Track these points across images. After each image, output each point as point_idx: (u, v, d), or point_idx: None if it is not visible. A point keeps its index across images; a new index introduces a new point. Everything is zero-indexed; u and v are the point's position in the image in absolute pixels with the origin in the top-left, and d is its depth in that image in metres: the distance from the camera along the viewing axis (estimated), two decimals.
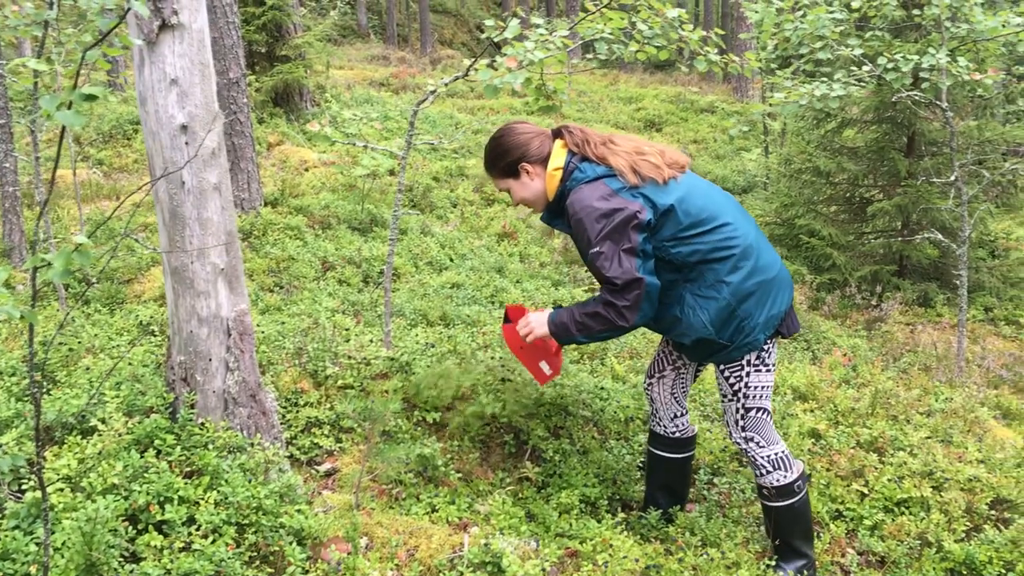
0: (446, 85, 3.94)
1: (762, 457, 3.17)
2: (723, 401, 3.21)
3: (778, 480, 3.17)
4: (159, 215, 3.03)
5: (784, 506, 3.19)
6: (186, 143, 2.95)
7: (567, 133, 3.10)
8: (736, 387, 3.12)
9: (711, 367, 3.79)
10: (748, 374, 3.10)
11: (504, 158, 3.13)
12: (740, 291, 2.95)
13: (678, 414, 3.46)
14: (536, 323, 3.16)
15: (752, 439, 3.17)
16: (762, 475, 3.20)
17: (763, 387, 3.13)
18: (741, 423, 3.17)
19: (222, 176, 3.07)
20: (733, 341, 3.01)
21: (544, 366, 3.34)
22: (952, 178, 5.66)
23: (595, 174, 2.97)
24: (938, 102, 5.57)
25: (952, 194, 5.70)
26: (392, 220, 4.15)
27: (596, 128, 14.18)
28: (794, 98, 5.36)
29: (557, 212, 3.14)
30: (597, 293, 3.01)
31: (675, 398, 3.44)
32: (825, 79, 5.50)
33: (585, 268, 3.39)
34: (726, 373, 3.13)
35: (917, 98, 5.56)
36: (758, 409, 3.15)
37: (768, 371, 3.13)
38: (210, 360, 3.10)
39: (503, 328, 3.35)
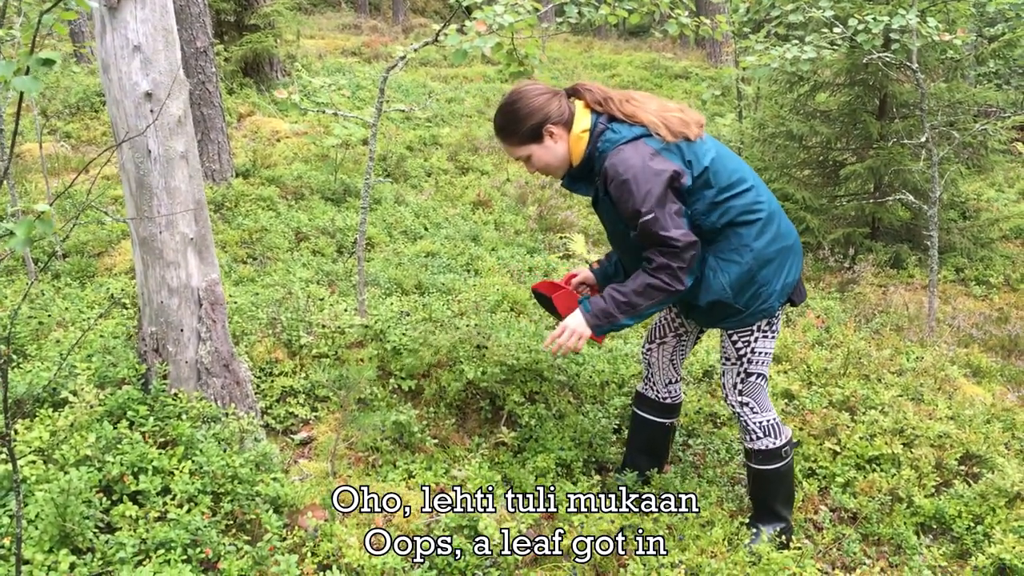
0: (415, 51, 3.90)
1: (754, 423, 3.18)
2: (724, 363, 3.19)
3: (766, 445, 3.19)
4: (125, 185, 2.99)
5: (770, 470, 3.22)
6: (151, 111, 2.90)
7: (586, 91, 2.95)
8: (742, 352, 3.11)
9: (711, 333, 3.78)
10: (756, 339, 3.08)
11: (526, 122, 2.93)
12: (762, 256, 2.91)
13: (673, 380, 3.47)
14: (577, 327, 2.95)
15: (748, 404, 3.17)
16: (752, 440, 3.21)
17: (766, 353, 3.13)
18: (740, 387, 3.16)
19: (189, 144, 3.03)
20: (748, 307, 2.97)
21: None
22: (923, 139, 5.69)
23: (632, 134, 2.82)
24: (908, 64, 5.58)
25: (923, 156, 5.72)
26: (364, 189, 4.12)
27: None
28: (765, 61, 5.36)
29: (581, 176, 3.00)
30: (641, 265, 2.88)
31: (673, 364, 3.44)
32: (797, 42, 5.49)
33: (604, 231, 3.19)
34: (734, 337, 3.10)
35: (888, 60, 5.56)
36: (758, 375, 3.14)
37: (773, 338, 3.12)
38: (181, 330, 3.08)
39: (555, 298, 3.17)
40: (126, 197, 3.01)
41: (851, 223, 8.01)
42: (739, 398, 3.17)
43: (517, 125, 2.95)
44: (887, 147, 7.31)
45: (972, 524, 3.44)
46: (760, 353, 3.11)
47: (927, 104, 5.83)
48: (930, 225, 5.89)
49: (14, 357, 3.47)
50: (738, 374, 3.15)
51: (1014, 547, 3.18)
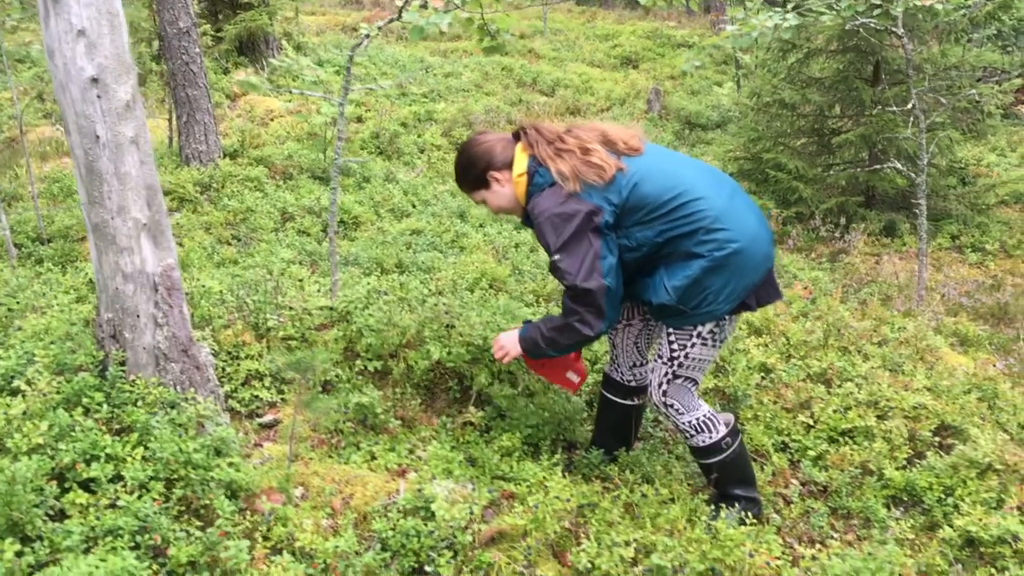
0: (379, 29, 3.86)
1: (684, 423, 3.16)
2: (655, 360, 3.17)
3: (703, 441, 3.17)
4: (76, 171, 2.98)
5: (714, 462, 3.20)
6: (98, 96, 2.87)
7: (523, 135, 3.07)
8: (675, 353, 3.07)
9: None
10: (693, 345, 3.04)
11: (471, 170, 3.12)
12: (710, 263, 2.87)
13: (638, 363, 3.44)
14: (508, 343, 3.21)
15: (671, 405, 3.15)
16: (687, 438, 3.21)
17: (702, 360, 3.09)
18: (664, 387, 3.13)
19: (139, 129, 3.00)
20: (695, 309, 2.95)
21: (570, 375, 3.37)
22: (910, 105, 5.60)
23: (552, 178, 2.94)
24: (895, 29, 5.49)
25: (911, 122, 5.64)
26: (333, 169, 4.10)
27: (574, 68, 14.02)
28: (747, 30, 5.27)
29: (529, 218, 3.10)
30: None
31: (638, 348, 3.41)
32: (779, 10, 5.40)
33: None
34: (671, 337, 3.07)
35: (872, 25, 5.47)
36: (686, 378, 3.12)
37: (714, 346, 3.07)
38: (138, 316, 3.07)
39: (523, 355, 3.33)
40: (77, 183, 3.00)
41: (844, 192, 7.93)
42: (663, 398, 3.15)
43: (466, 173, 3.15)
44: (879, 114, 7.22)
45: (943, 496, 3.42)
46: (694, 359, 3.06)
47: (912, 69, 5.73)
48: (918, 192, 5.81)
49: None
50: (665, 374, 3.12)
51: (981, 519, 3.15)
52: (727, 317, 3.01)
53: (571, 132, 3.02)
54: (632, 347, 3.39)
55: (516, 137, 3.12)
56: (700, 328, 3.01)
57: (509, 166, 3.07)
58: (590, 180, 2.88)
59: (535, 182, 2.98)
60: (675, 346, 3.06)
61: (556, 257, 2.87)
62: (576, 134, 3.00)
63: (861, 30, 6.33)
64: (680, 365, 3.07)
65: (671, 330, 3.06)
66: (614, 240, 2.91)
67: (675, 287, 2.90)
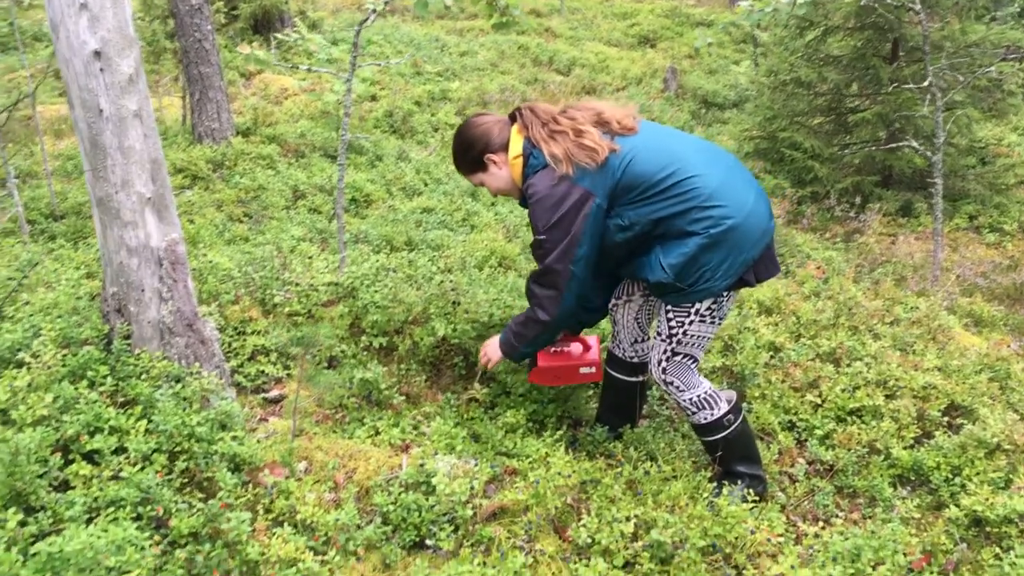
0: (386, 3, 3.84)
1: (684, 400, 3.16)
2: (655, 337, 3.16)
3: (705, 418, 3.16)
4: (80, 145, 2.98)
5: (716, 439, 3.19)
6: (101, 69, 2.88)
7: (520, 116, 3.07)
8: (674, 331, 3.06)
9: None
10: (692, 322, 3.03)
11: (468, 152, 3.13)
12: (706, 240, 2.85)
13: (639, 339, 3.43)
14: (490, 348, 3.32)
15: (672, 383, 3.14)
16: (689, 415, 3.21)
17: (701, 337, 3.07)
18: (664, 365, 3.13)
19: (142, 103, 3.01)
20: (692, 286, 2.92)
21: (584, 370, 3.41)
22: (926, 83, 5.52)
23: (546, 160, 2.95)
24: (912, 5, 5.41)
25: (928, 100, 5.56)
26: (341, 145, 4.09)
27: (590, 47, 13.91)
28: (761, 6, 5.21)
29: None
30: None
31: (639, 324, 3.40)
32: None
33: None
34: (670, 314, 3.06)
35: (889, 1, 5.39)
36: (685, 355, 3.11)
37: (713, 323, 3.06)
38: (143, 291, 3.08)
39: (529, 375, 3.44)
40: (82, 157, 3.01)
41: (860, 171, 7.85)
42: (663, 376, 3.15)
43: (461, 156, 3.18)
44: (896, 92, 7.13)
45: (950, 476, 3.39)
46: (692, 336, 3.05)
47: (931, 46, 5.64)
48: (935, 171, 5.74)
49: None
50: (664, 351, 3.11)
51: (988, 499, 3.13)
52: (725, 294, 2.99)
53: (566, 113, 3.01)
54: (633, 323, 3.38)
55: (512, 119, 3.11)
56: (698, 305, 2.99)
57: (505, 148, 3.08)
58: (583, 162, 2.88)
59: (530, 164, 2.99)
60: (673, 323, 3.04)
61: (542, 237, 2.92)
62: (571, 115, 2.99)
63: (878, 6, 6.24)
64: (679, 342, 3.06)
65: (669, 307, 3.04)
66: (599, 233, 2.92)
67: (671, 265, 2.88)
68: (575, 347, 3.40)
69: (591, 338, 3.44)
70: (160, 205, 3.09)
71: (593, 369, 3.39)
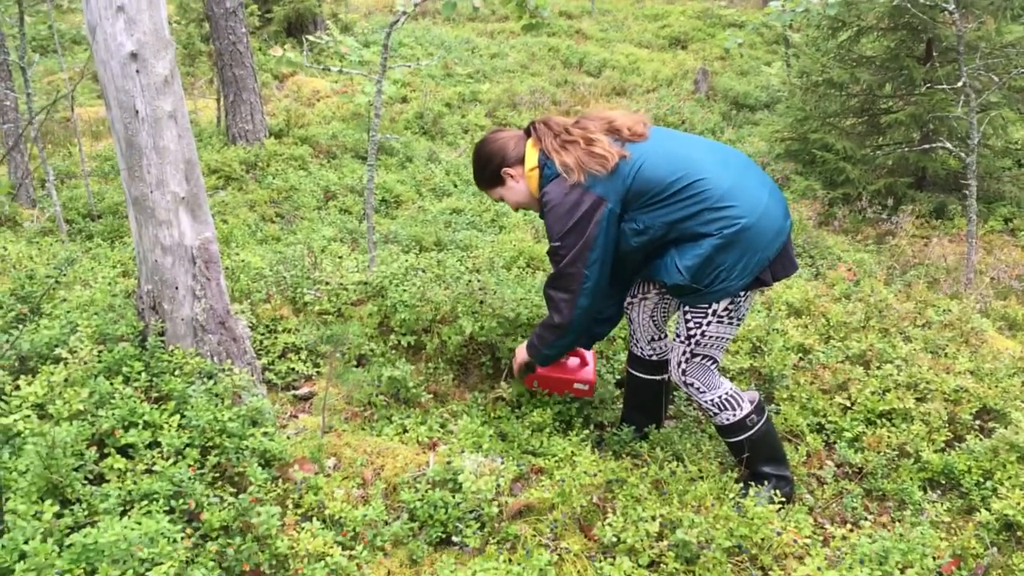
0: (416, 6, 3.87)
1: (705, 401, 3.17)
2: (675, 339, 3.18)
3: (727, 419, 3.17)
4: (116, 145, 3.05)
5: (741, 440, 3.19)
6: (137, 71, 2.93)
7: (533, 130, 3.14)
8: (692, 332, 3.08)
9: None
10: (710, 323, 3.04)
11: (486, 169, 3.21)
12: (720, 241, 2.87)
13: (656, 337, 3.44)
14: (518, 353, 3.42)
15: (692, 384, 3.16)
16: (711, 416, 3.22)
17: (720, 338, 3.08)
18: (684, 366, 3.15)
19: (177, 104, 3.06)
20: (708, 287, 2.95)
21: (578, 385, 3.50)
22: (960, 84, 5.47)
23: (558, 170, 3.00)
24: (946, 5, 5.35)
25: (961, 101, 5.51)
26: (370, 144, 4.13)
27: (621, 48, 13.90)
28: (791, 6, 5.19)
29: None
30: None
31: (654, 322, 3.42)
32: None
33: None
34: (687, 315, 3.08)
35: (922, 1, 5.34)
36: (704, 357, 3.12)
37: (731, 324, 3.07)
38: (176, 288, 3.14)
39: (525, 378, 3.53)
40: (118, 157, 3.07)
41: (892, 173, 7.77)
42: (683, 377, 3.17)
43: (480, 172, 3.25)
44: (929, 93, 7.05)
45: (981, 479, 3.36)
46: (711, 337, 3.06)
47: (965, 47, 5.58)
48: (968, 173, 5.68)
49: (30, 315, 3.59)
50: (683, 353, 3.13)
51: (1019, 503, 3.09)
52: (743, 293, 3.00)
53: (578, 124, 3.07)
54: (648, 320, 3.40)
55: (528, 133, 3.18)
56: (715, 306, 3.01)
57: (522, 161, 3.14)
58: (594, 170, 2.92)
59: (544, 174, 3.05)
60: (691, 324, 3.06)
61: (557, 243, 2.98)
62: (583, 124, 3.05)
63: (910, 6, 6.18)
64: (697, 343, 3.08)
65: (687, 308, 3.07)
66: (613, 237, 2.96)
67: (687, 267, 2.90)
68: (573, 361, 3.50)
69: (590, 354, 3.52)
70: (194, 204, 3.14)
71: (586, 387, 3.48)
